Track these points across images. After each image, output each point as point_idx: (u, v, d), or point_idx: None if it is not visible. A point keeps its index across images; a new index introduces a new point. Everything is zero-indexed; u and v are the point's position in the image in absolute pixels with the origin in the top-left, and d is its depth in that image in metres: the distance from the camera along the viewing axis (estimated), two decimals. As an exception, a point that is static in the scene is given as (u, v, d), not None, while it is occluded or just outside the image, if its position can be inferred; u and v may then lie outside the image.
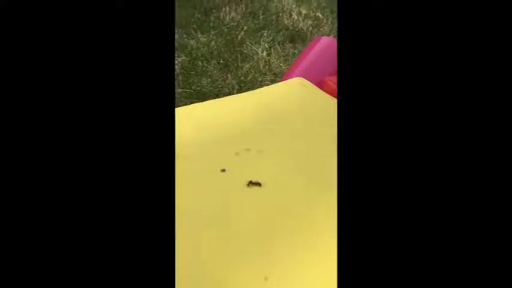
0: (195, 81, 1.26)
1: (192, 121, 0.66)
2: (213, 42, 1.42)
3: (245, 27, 1.50)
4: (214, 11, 1.59)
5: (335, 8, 1.62)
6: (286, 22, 1.57)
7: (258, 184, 0.56)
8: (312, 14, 1.63)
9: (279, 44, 1.44)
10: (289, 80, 0.81)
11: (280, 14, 1.61)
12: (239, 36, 1.46)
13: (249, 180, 0.57)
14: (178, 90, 1.21)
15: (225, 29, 1.49)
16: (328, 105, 0.73)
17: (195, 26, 1.49)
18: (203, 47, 1.39)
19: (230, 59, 1.36)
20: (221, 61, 1.35)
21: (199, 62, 1.33)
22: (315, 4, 1.70)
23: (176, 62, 1.31)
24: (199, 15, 1.55)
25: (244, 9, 1.63)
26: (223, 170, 0.58)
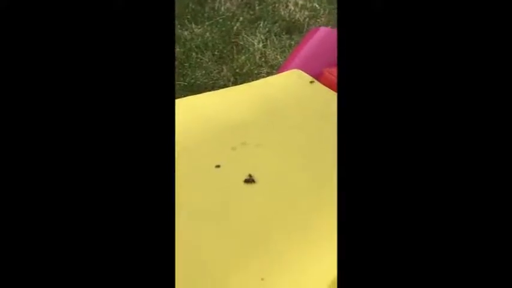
0: (189, 73, 1.23)
1: (186, 114, 0.64)
2: (207, 34, 1.39)
3: (241, 18, 1.48)
4: (209, 1, 1.56)
5: (332, -1, 1.60)
6: (282, 13, 1.54)
7: (252, 181, 0.54)
8: (308, 5, 1.60)
9: (275, 36, 1.42)
10: (287, 72, 0.79)
11: (277, 5, 1.59)
12: (234, 27, 1.43)
13: (245, 176, 0.55)
14: (172, 82, 1.18)
15: (220, 20, 1.46)
16: (326, 98, 0.71)
17: (189, 16, 1.46)
18: (197, 38, 1.36)
19: (225, 51, 1.33)
20: (216, 53, 1.32)
21: (194, 54, 1.30)
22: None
23: (170, 53, 1.29)
24: (193, 6, 1.52)
25: (239, -1, 1.60)
26: (218, 166, 0.56)
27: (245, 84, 0.78)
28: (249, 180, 0.55)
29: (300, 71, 0.78)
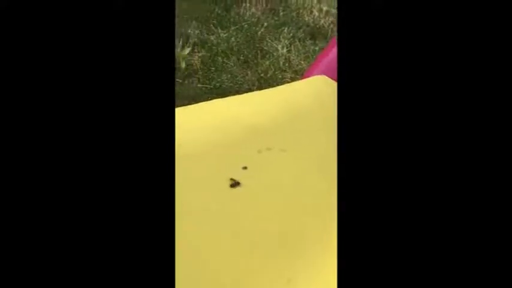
0: (215, 76, 1.25)
1: (213, 117, 0.66)
2: (233, 38, 1.41)
3: (265, 24, 1.49)
4: (234, 6, 1.58)
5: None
6: (306, 19, 1.56)
7: (238, 183, 0.55)
8: (333, 11, 1.60)
9: (299, 41, 1.43)
10: (312, 78, 0.80)
11: (301, 11, 1.60)
12: (259, 33, 1.45)
13: (270, 179, 0.56)
14: (198, 85, 1.21)
15: (245, 25, 1.48)
16: (351, 104, 0.71)
17: (215, 21, 1.49)
18: (223, 43, 1.39)
19: (250, 55, 1.35)
20: (241, 57, 1.34)
21: (220, 58, 1.33)
22: (336, 0, 1.68)
23: (196, 57, 1.31)
24: (219, 11, 1.55)
25: (264, 5, 1.62)
26: (245, 168, 0.58)
27: (271, 88, 0.79)
28: (235, 183, 0.56)
29: (325, 77, 0.79)
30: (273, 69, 1.30)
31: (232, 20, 1.51)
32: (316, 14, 1.59)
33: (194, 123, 0.65)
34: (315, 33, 1.49)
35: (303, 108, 0.71)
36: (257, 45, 1.40)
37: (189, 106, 0.70)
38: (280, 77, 1.29)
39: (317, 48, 1.40)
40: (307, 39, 1.45)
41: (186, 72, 1.30)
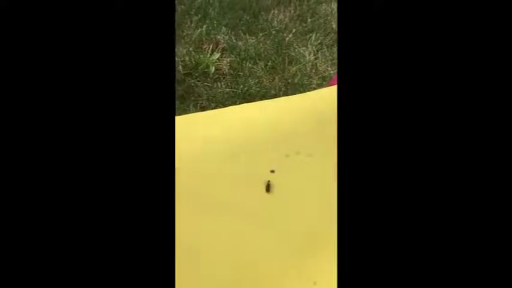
0: (243, 81, 1.27)
1: (242, 120, 0.68)
2: (261, 44, 1.43)
3: (293, 30, 1.51)
4: (263, 13, 1.60)
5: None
6: (334, 26, 1.56)
7: (269, 186, 0.57)
8: (361, 18, 1.60)
9: (327, 48, 1.44)
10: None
11: (329, 18, 1.60)
12: (287, 39, 1.46)
13: (298, 183, 0.57)
14: (226, 89, 1.23)
15: (273, 32, 1.50)
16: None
17: (243, 27, 1.51)
18: (251, 49, 1.41)
19: (277, 61, 1.37)
20: (268, 63, 1.36)
21: (247, 63, 1.35)
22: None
23: (225, 62, 1.34)
24: (248, 17, 1.57)
25: (292, 12, 1.63)
26: (273, 171, 0.59)
27: (298, 95, 0.80)
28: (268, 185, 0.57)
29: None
30: (300, 75, 1.31)
31: (260, 26, 1.53)
32: (344, 21, 1.59)
33: (223, 126, 0.67)
34: (343, 40, 1.49)
35: (330, 115, 0.71)
36: (284, 51, 1.41)
37: (217, 109, 0.72)
38: (306, 83, 1.30)
39: (344, 55, 1.40)
40: (335, 46, 1.46)
41: (214, 77, 1.33)
